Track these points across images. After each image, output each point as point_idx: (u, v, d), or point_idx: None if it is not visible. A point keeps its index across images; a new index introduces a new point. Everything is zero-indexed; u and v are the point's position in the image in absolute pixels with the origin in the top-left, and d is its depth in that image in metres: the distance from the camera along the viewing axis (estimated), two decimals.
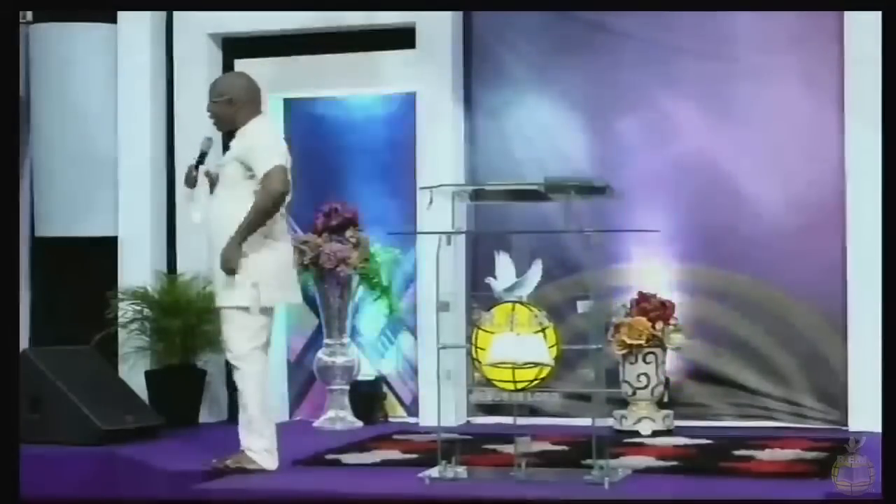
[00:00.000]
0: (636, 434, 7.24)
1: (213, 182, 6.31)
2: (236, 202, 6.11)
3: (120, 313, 7.92)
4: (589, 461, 5.78)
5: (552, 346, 5.75)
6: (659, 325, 7.35)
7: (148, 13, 8.20)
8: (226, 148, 6.45)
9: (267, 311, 6.20)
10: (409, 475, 5.99)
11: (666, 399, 7.48)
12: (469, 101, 8.02)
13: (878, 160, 6.42)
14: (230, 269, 6.07)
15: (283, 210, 6.26)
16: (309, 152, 7.89)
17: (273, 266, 6.19)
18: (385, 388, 8.13)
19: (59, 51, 8.18)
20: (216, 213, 6.20)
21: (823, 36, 7.48)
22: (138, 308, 7.91)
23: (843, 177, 7.36)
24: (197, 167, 6.29)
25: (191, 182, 6.32)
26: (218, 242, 6.15)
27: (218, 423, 7.90)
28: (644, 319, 7.35)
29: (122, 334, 8.00)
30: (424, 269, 7.69)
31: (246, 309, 6.10)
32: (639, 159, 7.74)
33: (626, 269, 7.71)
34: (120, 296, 7.92)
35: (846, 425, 7.29)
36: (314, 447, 6.84)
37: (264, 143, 6.18)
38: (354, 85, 8.21)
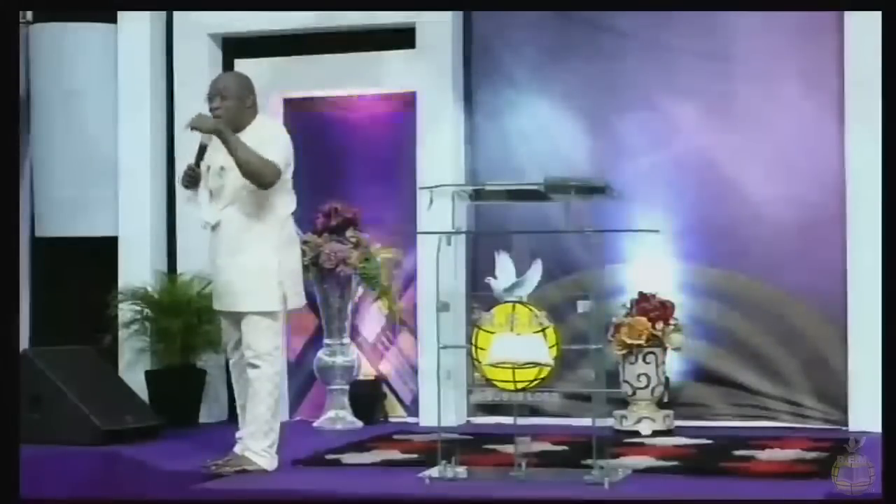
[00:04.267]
0: (636, 434, 7.24)
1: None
2: (258, 200, 6.13)
3: (120, 313, 7.92)
4: (589, 461, 5.78)
5: (552, 346, 5.75)
6: (659, 325, 7.36)
7: (148, 13, 8.20)
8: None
9: (284, 316, 6.26)
10: (409, 475, 5.99)
11: (666, 399, 7.48)
12: (469, 101, 8.03)
13: (879, 160, 6.43)
14: (207, 126, 6.11)
15: (290, 214, 6.29)
16: (309, 152, 7.86)
17: (296, 269, 6.29)
18: (385, 388, 8.13)
19: (59, 51, 8.18)
20: (237, 212, 6.16)
21: (823, 36, 7.49)
22: (138, 308, 7.91)
23: (843, 177, 7.36)
24: (198, 164, 6.22)
25: (192, 181, 6.24)
26: (241, 243, 6.15)
27: (218, 423, 7.90)
28: (644, 319, 7.35)
29: (122, 334, 8.01)
30: (424, 270, 7.69)
31: (273, 313, 6.16)
32: (639, 159, 7.74)
33: (626, 269, 7.72)
34: (120, 296, 7.92)
35: (846, 425, 7.29)
36: (314, 447, 6.85)
37: (271, 145, 6.15)
38: (354, 85, 8.21)
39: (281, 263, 6.17)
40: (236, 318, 6.25)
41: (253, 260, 6.16)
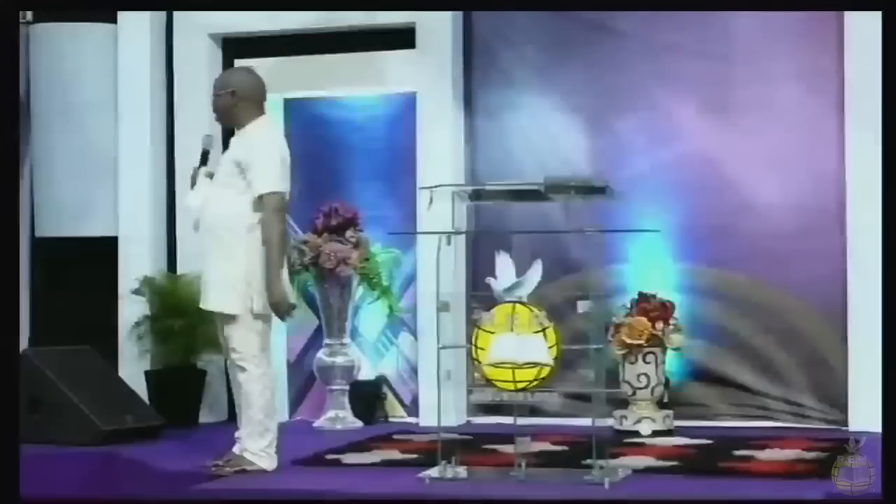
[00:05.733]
0: (636, 434, 7.24)
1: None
2: (233, 202, 6.10)
3: (121, 313, 7.93)
4: (589, 461, 5.78)
5: (552, 346, 5.75)
6: (659, 325, 7.36)
7: (148, 13, 8.20)
8: (225, 146, 6.43)
9: (265, 316, 6.21)
10: (409, 475, 5.99)
11: (666, 399, 7.48)
12: (469, 102, 8.03)
13: (879, 160, 6.42)
14: (287, 309, 6.10)
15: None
16: (309, 152, 7.89)
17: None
18: (385, 388, 8.13)
19: (59, 51, 8.18)
20: (213, 212, 6.15)
21: (823, 36, 7.49)
22: (144, 301, 7.90)
23: (843, 177, 7.37)
24: (200, 168, 6.24)
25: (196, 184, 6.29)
26: (215, 243, 6.13)
27: (218, 423, 7.90)
28: (644, 319, 7.35)
29: (122, 334, 8.01)
30: (424, 269, 7.69)
31: (245, 315, 6.11)
32: (639, 159, 7.74)
33: (626, 269, 7.72)
34: (127, 289, 7.94)
35: (846, 425, 7.29)
36: (314, 447, 6.85)
37: (265, 156, 6.09)
38: (354, 85, 8.22)
39: (248, 266, 6.08)
40: (220, 319, 6.24)
41: (222, 262, 6.10)
